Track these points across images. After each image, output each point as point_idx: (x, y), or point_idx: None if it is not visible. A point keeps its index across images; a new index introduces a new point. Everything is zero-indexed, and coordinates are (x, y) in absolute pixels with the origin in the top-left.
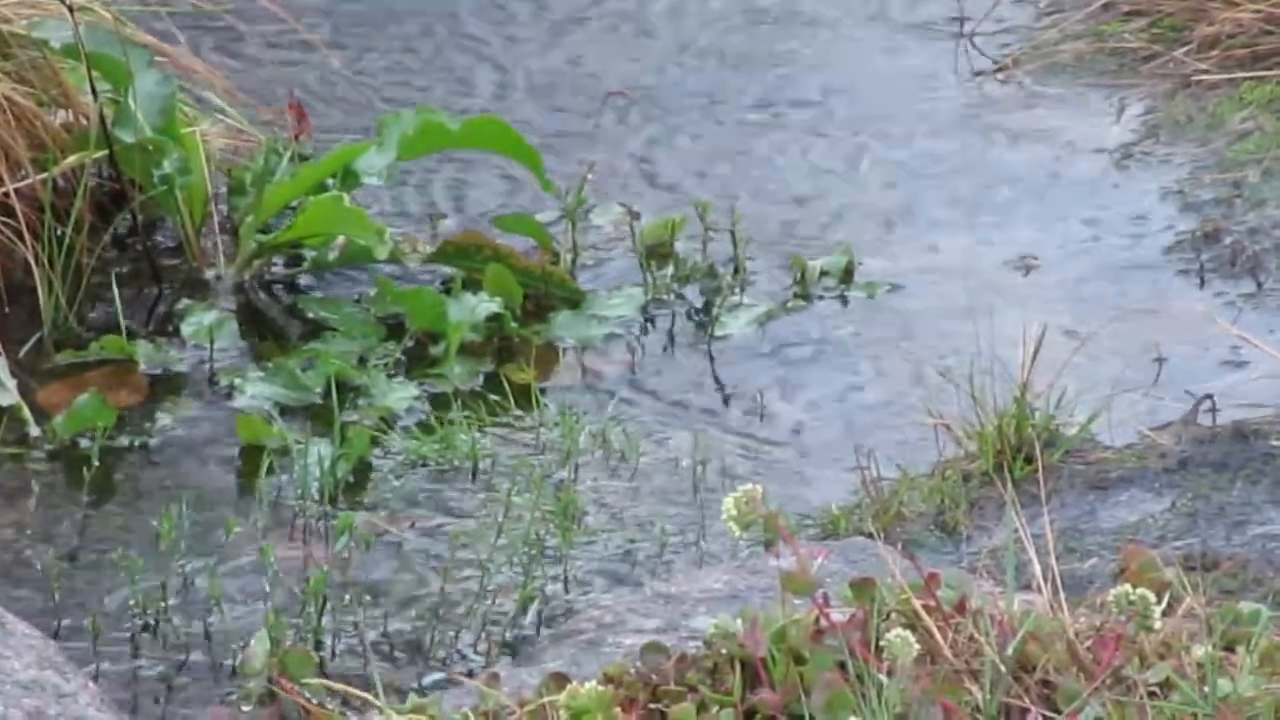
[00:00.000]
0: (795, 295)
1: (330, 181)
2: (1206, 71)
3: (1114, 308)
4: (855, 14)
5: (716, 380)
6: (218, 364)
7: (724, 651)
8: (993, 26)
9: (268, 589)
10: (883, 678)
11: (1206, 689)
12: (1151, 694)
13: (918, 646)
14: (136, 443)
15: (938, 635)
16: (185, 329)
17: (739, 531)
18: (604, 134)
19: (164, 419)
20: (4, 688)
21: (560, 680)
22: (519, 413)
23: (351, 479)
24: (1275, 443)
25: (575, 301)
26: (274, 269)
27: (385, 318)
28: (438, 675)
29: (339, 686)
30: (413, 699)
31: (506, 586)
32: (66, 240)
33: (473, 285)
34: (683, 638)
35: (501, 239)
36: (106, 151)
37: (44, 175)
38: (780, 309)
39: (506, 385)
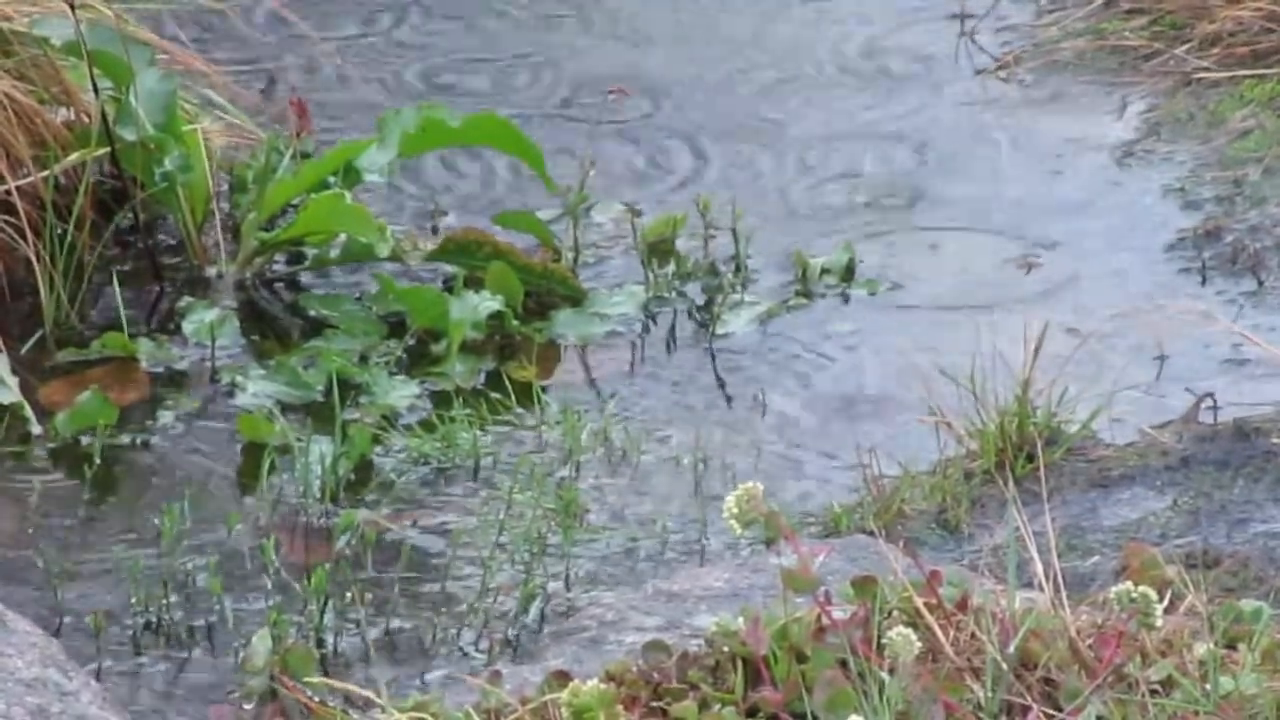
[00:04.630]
0: (797, 293)
1: (332, 179)
2: (1207, 69)
3: (1115, 306)
4: (856, 10)
5: (718, 378)
6: (219, 362)
7: (726, 649)
8: (994, 24)
9: (269, 586)
10: (884, 676)
11: (1208, 687)
12: (1153, 692)
13: (919, 644)
14: (138, 440)
15: (939, 633)
16: (187, 327)
17: (740, 529)
18: (605, 130)
19: (165, 417)
20: (6, 686)
21: (562, 678)
22: (520, 411)
23: (353, 477)
24: (1276, 440)
25: (577, 299)
26: (275, 267)
27: (387, 315)
28: (440, 673)
29: (341, 684)
30: (415, 697)
31: (508, 584)
32: (68, 238)
33: (474, 283)
34: (684, 636)
35: (503, 236)
36: (108, 149)
37: (45, 173)
38: (781, 307)
39: (508, 383)
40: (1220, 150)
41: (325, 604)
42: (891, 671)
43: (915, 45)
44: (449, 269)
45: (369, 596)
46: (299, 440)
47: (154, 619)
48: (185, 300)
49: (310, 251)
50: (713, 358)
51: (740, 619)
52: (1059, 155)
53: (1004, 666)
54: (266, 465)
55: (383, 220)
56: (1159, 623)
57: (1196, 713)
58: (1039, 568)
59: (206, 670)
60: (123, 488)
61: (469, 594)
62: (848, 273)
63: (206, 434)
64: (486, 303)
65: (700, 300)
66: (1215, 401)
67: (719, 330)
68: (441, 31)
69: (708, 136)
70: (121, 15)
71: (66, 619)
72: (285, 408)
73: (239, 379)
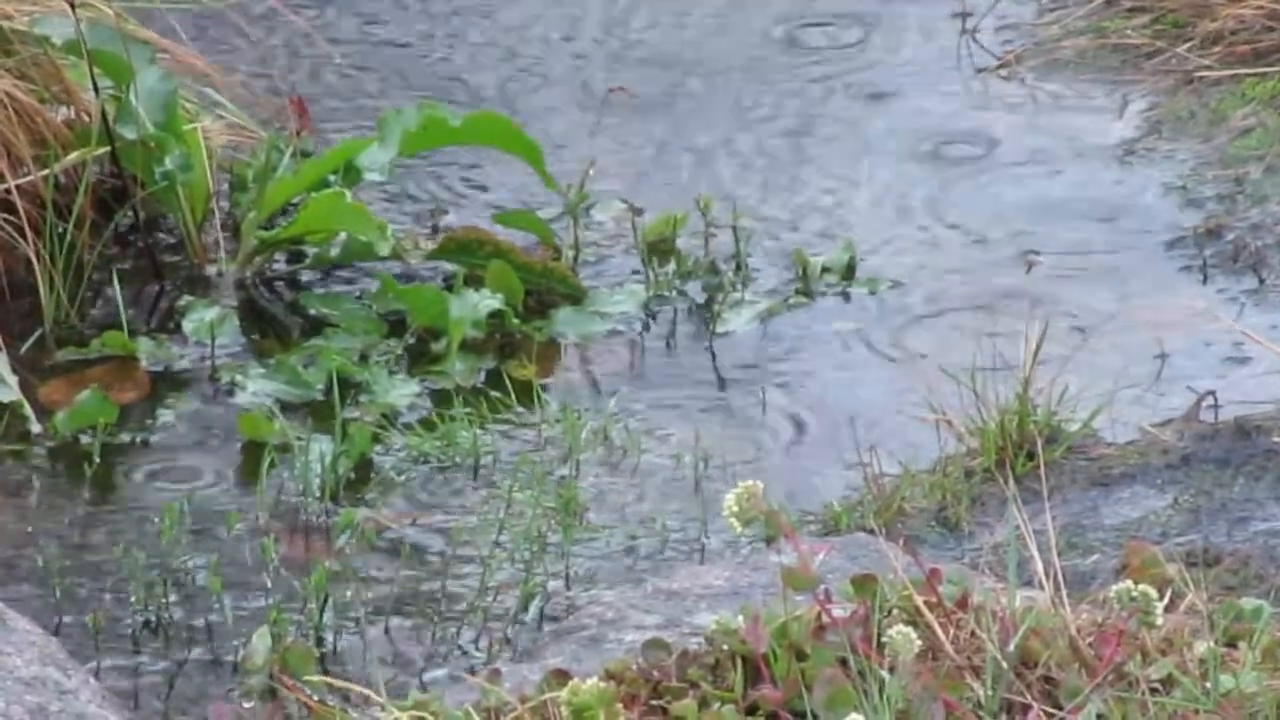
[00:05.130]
0: (797, 291)
1: (332, 178)
2: (1209, 68)
3: (1116, 304)
4: (856, 11)
5: (718, 376)
6: (219, 360)
7: (725, 648)
8: (995, 23)
9: (269, 585)
10: (884, 674)
11: (1208, 685)
12: (1153, 690)
13: (919, 643)
14: (138, 439)
15: (939, 631)
16: (187, 325)
17: (740, 528)
18: (606, 130)
19: (165, 415)
20: (5, 684)
21: (562, 676)
22: (520, 409)
23: (353, 476)
24: (1277, 439)
25: (577, 298)
26: (275, 265)
27: (387, 314)
28: (439, 672)
29: (340, 683)
30: (414, 695)
31: (508, 583)
32: (68, 237)
33: (474, 281)
34: (684, 634)
35: (503, 235)
36: (108, 148)
37: (45, 172)
38: (782, 305)
39: (508, 382)
40: (1222, 148)
41: (325, 602)
42: (891, 670)
43: (916, 44)
44: (449, 267)
45: (368, 595)
46: (299, 439)
47: (153, 617)
48: (185, 299)
49: (310, 250)
50: (713, 356)
51: (740, 617)
52: (1060, 154)
53: (1004, 665)
54: (266, 464)
55: (383, 219)
56: (1159, 621)
57: (1197, 711)
58: (1039, 566)
59: (206, 669)
60: (122, 486)
61: (469, 592)
62: (848, 271)
63: (206, 433)
64: (486, 301)
65: (700, 299)
66: (1216, 400)
67: (719, 329)
68: (443, 31)
69: (707, 134)
70: (122, 14)
71: (66, 617)
72: (285, 406)
73: (239, 378)
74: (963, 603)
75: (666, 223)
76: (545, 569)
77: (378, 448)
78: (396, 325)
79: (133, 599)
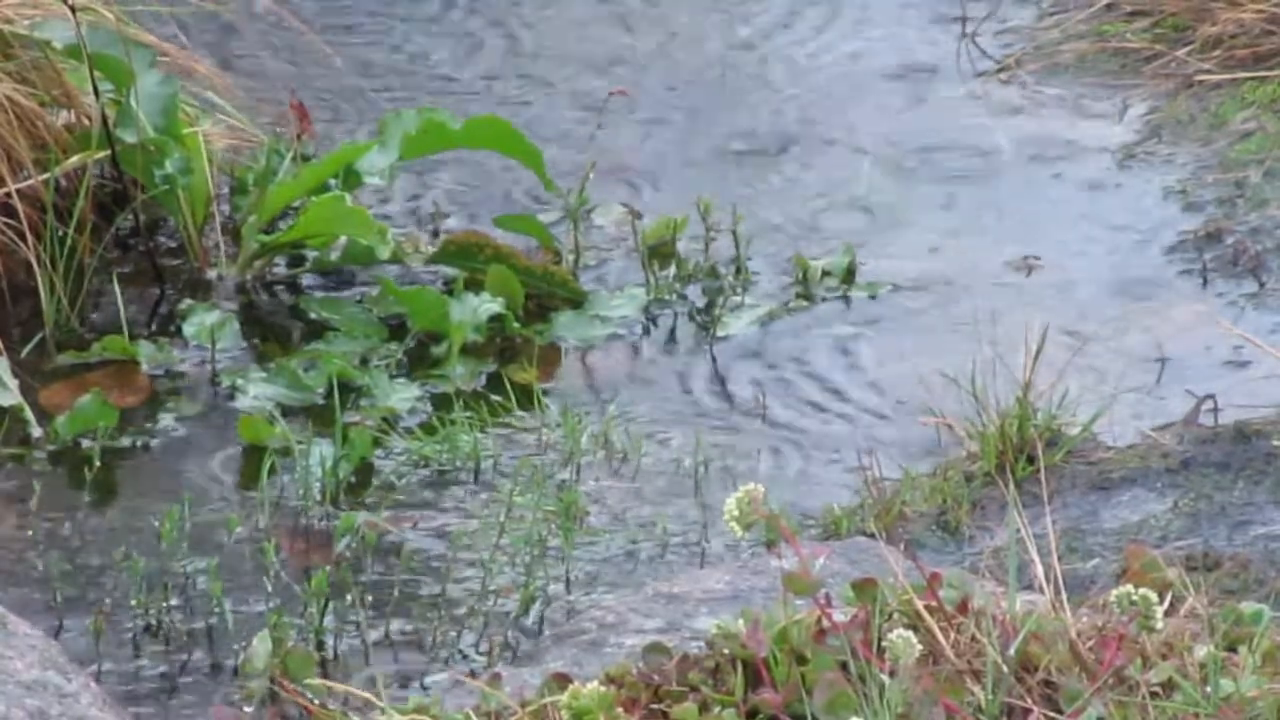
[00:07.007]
0: (797, 295)
1: (332, 181)
2: (1209, 71)
3: (1116, 307)
4: (856, 12)
5: (718, 380)
6: (219, 364)
7: (726, 652)
8: (995, 26)
9: (269, 589)
10: (885, 678)
11: (1209, 689)
12: (1154, 694)
13: (920, 647)
14: (138, 443)
15: (940, 635)
16: (187, 329)
17: (741, 532)
18: (606, 133)
19: (166, 419)
20: (6, 688)
21: (562, 680)
22: (521, 413)
23: (353, 479)
24: (1277, 443)
25: (577, 301)
26: (276, 269)
27: (387, 318)
28: (439, 675)
29: (340, 687)
30: (414, 699)
31: (508, 586)
32: (68, 241)
33: (475, 285)
34: (685, 638)
35: (503, 239)
36: (108, 152)
37: (46, 175)
38: (782, 309)
39: (508, 386)
40: (1221, 152)
41: (325, 606)
42: (892, 674)
43: (916, 47)
44: (450, 271)
45: (369, 599)
46: (299, 443)
47: (154, 621)
48: (186, 303)
49: (311, 254)
50: (713, 360)
51: (741, 621)
52: (1060, 157)
53: (1004, 669)
54: (267, 468)
55: (383, 223)
56: (1159, 625)
57: (1197, 715)
58: (1039, 570)
59: (206, 672)
60: (123, 490)
61: (469, 596)
62: (848, 275)
63: (207, 437)
64: (487, 305)
65: (701, 302)
66: (1216, 404)
67: (720, 332)
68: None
69: (705, 138)
70: (122, 18)
71: (67, 621)
72: (286, 410)
73: (239, 381)
74: (963, 607)
75: (666, 226)
76: (546, 573)
77: (378, 451)
78: (397, 329)
79: (133, 603)
